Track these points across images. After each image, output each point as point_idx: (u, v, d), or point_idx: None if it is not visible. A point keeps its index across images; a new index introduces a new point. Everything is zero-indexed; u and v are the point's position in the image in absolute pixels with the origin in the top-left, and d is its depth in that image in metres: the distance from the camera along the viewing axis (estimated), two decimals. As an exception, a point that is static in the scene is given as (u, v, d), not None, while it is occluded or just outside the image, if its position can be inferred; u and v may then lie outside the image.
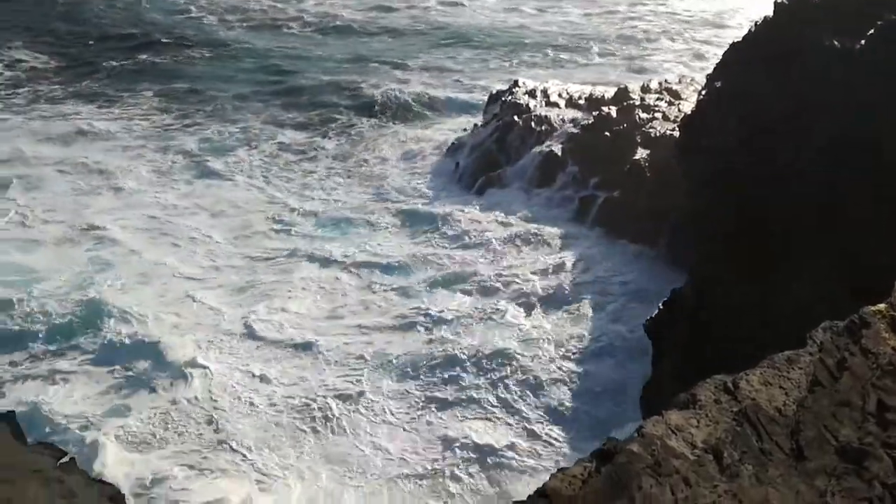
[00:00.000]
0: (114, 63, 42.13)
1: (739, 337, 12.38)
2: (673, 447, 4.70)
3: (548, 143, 23.35)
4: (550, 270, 19.57)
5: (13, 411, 7.07)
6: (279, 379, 16.05)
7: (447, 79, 40.60)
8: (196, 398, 15.29)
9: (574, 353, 16.93)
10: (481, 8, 60.58)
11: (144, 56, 43.96)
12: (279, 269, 20.47)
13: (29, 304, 18.04)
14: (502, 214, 22.43)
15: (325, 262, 20.72)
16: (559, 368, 16.46)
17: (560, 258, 19.97)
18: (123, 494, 6.59)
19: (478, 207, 23.26)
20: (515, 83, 28.48)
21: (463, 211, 23.20)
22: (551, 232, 21.22)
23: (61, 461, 5.95)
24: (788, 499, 4.45)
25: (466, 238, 21.66)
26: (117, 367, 16.13)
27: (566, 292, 18.77)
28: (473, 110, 32.86)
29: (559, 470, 4.81)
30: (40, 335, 17.04)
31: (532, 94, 26.60)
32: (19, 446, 5.87)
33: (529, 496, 4.71)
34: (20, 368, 16.15)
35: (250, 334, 17.44)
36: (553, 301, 18.51)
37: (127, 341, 16.77)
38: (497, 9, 60.41)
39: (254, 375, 16.09)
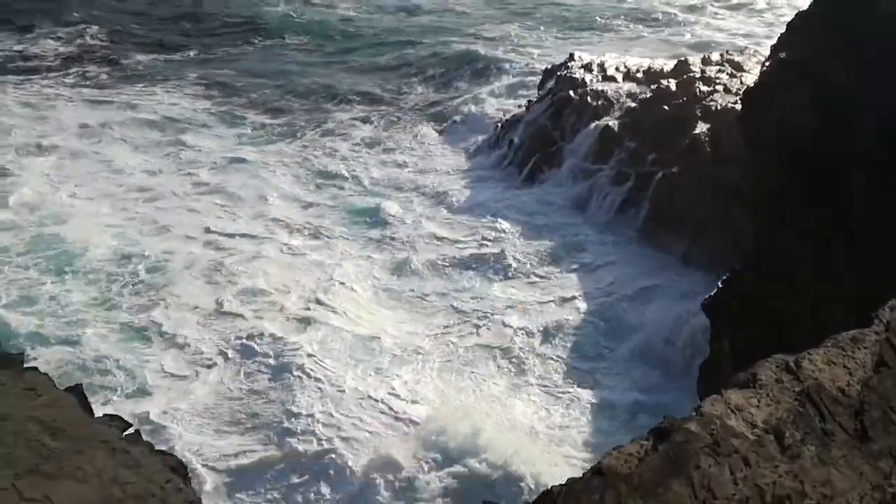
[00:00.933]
0: (163, 44, 42.83)
1: (800, 315, 12.08)
2: (732, 426, 4.64)
3: (605, 118, 22.97)
4: (580, 272, 19.40)
5: (80, 384, 7.41)
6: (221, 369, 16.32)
7: (502, 53, 40.14)
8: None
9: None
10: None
11: (197, 38, 44.67)
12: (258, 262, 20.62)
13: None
14: (544, 207, 22.37)
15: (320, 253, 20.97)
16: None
17: (599, 258, 19.83)
18: (185, 465, 6.87)
19: (521, 197, 23.15)
20: (571, 57, 28.05)
21: (501, 202, 23.02)
22: (596, 224, 21.16)
23: (126, 433, 6.20)
24: (851, 480, 4.36)
25: (496, 233, 21.39)
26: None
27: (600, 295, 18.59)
28: (529, 85, 32.50)
29: (615, 448, 4.80)
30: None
31: (588, 67, 26.15)
32: (87, 417, 6.14)
33: (585, 473, 4.73)
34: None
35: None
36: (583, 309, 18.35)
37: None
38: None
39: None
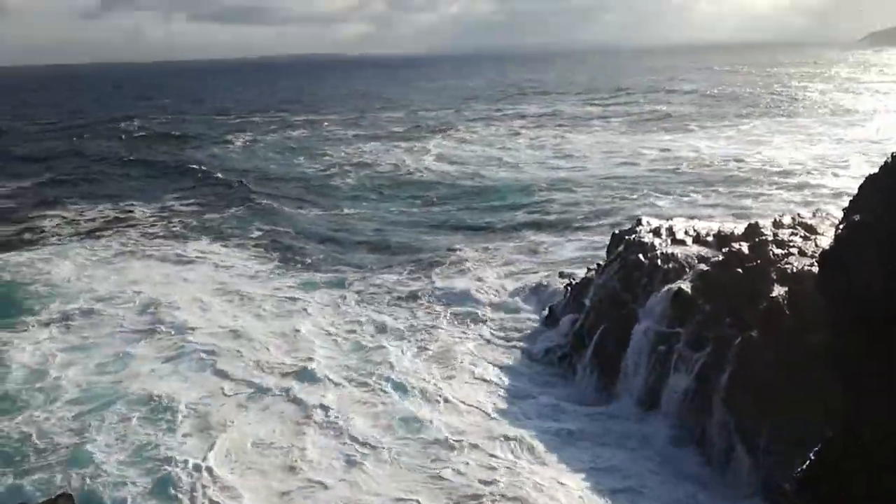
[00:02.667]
0: (236, 204, 49.21)
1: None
2: None
3: (677, 281, 22.84)
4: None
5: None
6: None
7: (566, 222, 41.29)
8: None
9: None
10: (596, 151, 62.75)
11: (264, 202, 49.36)
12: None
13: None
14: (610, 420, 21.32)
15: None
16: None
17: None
18: None
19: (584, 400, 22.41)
20: (639, 221, 28.44)
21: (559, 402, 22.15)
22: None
23: None
24: None
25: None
26: None
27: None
28: (597, 251, 33.00)
29: None
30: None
31: (657, 232, 26.38)
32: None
33: None
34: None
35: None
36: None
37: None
38: (616, 148, 62.92)
39: None
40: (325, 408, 21.62)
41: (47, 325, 27.64)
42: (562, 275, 31.38)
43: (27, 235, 42.14)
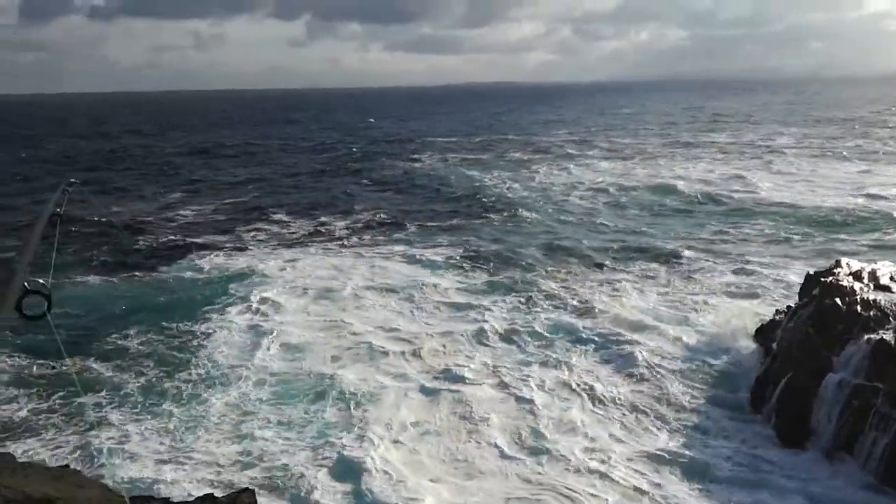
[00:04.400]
0: (426, 217, 53.39)
1: None
2: None
3: (879, 331, 20.98)
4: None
5: None
6: None
7: (754, 256, 39.32)
8: None
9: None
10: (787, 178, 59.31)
11: (454, 213, 54.07)
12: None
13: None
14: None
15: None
16: None
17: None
18: None
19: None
20: (837, 263, 26.41)
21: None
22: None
23: None
24: None
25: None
26: None
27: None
28: (788, 292, 31.08)
29: None
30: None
31: (857, 275, 24.38)
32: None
33: None
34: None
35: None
36: None
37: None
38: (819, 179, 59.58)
39: None
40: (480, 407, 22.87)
41: (249, 309, 31.96)
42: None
43: (237, 243, 46.62)
